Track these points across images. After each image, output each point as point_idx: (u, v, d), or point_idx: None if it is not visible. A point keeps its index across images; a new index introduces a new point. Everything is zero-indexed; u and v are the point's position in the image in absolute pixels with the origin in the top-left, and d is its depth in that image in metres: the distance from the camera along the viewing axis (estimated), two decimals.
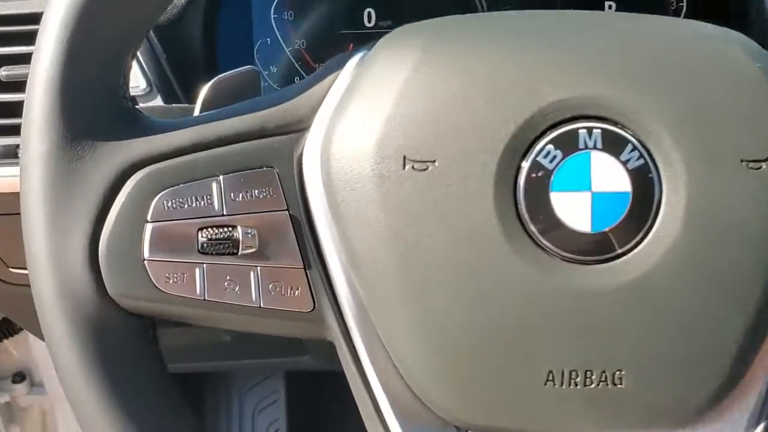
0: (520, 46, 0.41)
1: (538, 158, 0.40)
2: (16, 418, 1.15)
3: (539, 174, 0.40)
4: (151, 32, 0.72)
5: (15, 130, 0.64)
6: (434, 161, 0.40)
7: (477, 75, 0.41)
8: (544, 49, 0.41)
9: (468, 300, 0.40)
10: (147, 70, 0.70)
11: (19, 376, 1.10)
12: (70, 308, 0.42)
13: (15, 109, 0.65)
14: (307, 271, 0.42)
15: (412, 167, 0.40)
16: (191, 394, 1.19)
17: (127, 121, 0.43)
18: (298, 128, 0.43)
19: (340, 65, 0.45)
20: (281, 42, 0.78)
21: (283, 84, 0.79)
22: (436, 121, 0.40)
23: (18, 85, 0.66)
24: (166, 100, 0.70)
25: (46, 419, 1.17)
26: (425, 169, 0.40)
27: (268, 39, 0.78)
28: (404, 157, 0.40)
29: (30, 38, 0.57)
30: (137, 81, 0.70)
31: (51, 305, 0.42)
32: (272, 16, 0.78)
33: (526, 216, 0.40)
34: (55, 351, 0.42)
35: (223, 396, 1.22)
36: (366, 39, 0.79)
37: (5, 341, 1.02)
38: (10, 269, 0.75)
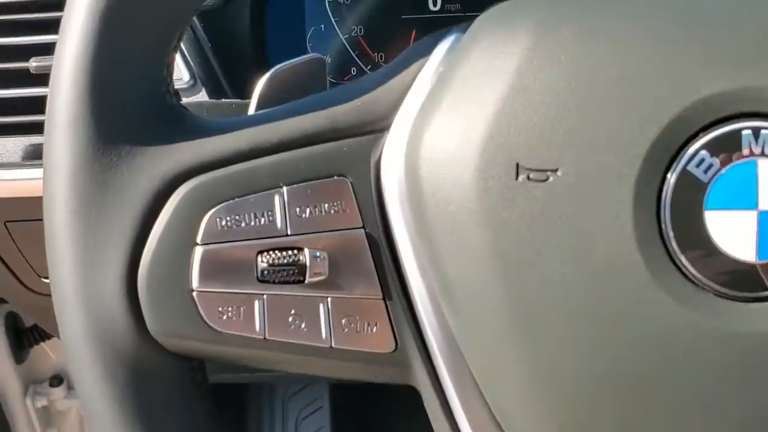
0: (662, 23, 0.33)
1: (688, 167, 0.32)
2: (53, 421, 1.12)
3: (690, 188, 0.32)
4: (195, 19, 0.66)
5: None
6: (556, 170, 0.32)
7: (608, 60, 0.33)
8: (694, 25, 0.33)
9: (595, 342, 0.33)
10: (190, 61, 0.64)
11: (57, 379, 1.07)
12: (103, 349, 0.35)
13: (45, 105, 0.60)
14: (388, 303, 0.36)
15: (527, 177, 0.32)
16: (233, 403, 1.15)
17: (172, 121, 0.36)
18: (375, 128, 0.37)
19: (427, 51, 0.37)
20: (336, 28, 0.71)
21: (338, 76, 0.72)
22: (559, 119, 0.32)
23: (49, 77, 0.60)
24: (211, 95, 0.64)
25: (83, 423, 1.13)
26: (544, 180, 0.32)
27: (322, 25, 0.72)
28: (517, 165, 0.33)
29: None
30: (179, 73, 0.65)
31: (80, 346, 0.35)
32: (326, 0, 0.71)
33: (672, 240, 0.32)
34: (86, 399, 0.36)
35: (265, 404, 1.18)
36: (431, 25, 0.72)
37: (42, 343, 0.99)
38: (42, 279, 0.70)
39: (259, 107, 0.42)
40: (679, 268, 0.33)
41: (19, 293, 0.72)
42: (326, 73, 0.44)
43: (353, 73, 0.72)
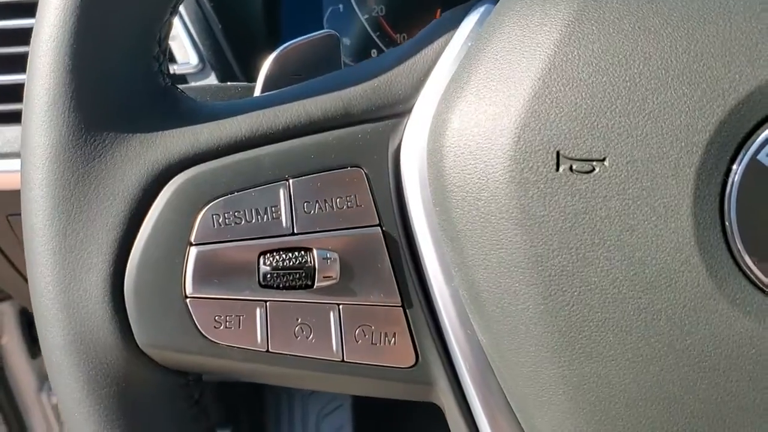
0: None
1: (758, 157, 0.28)
2: None
3: (760, 180, 0.28)
4: None
5: None
6: (603, 160, 0.28)
7: (664, 32, 0.28)
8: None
9: (648, 360, 0.29)
10: (199, 44, 0.60)
11: None
12: (86, 363, 0.31)
13: None
14: (408, 312, 0.32)
15: (570, 168, 0.28)
16: (251, 400, 1.12)
17: (164, 105, 0.32)
18: (394, 112, 0.33)
19: (454, 24, 0.33)
20: (355, 8, 0.67)
21: (357, 59, 0.67)
22: (606, 101, 0.28)
23: None
24: (221, 79, 0.60)
25: None
26: (589, 171, 0.28)
27: (340, 5, 0.67)
28: (558, 154, 0.28)
29: None
30: (187, 56, 0.61)
31: (60, 358, 0.31)
32: None
33: (738, 242, 0.28)
34: (68, 418, 0.31)
35: (284, 401, 1.15)
36: (459, 3, 0.68)
37: None
38: None
39: (265, 89, 0.38)
40: (745, 274, 0.28)
41: (22, 288, 0.69)
42: (341, 51, 0.40)
43: (373, 56, 0.68)
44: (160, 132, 0.32)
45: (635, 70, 0.28)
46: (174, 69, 0.61)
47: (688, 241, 0.28)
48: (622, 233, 0.28)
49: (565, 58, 0.29)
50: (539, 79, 0.29)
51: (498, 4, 0.32)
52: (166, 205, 0.31)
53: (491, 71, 0.30)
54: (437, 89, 0.32)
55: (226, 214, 0.31)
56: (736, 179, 0.28)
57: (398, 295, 0.32)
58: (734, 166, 0.28)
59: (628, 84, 0.28)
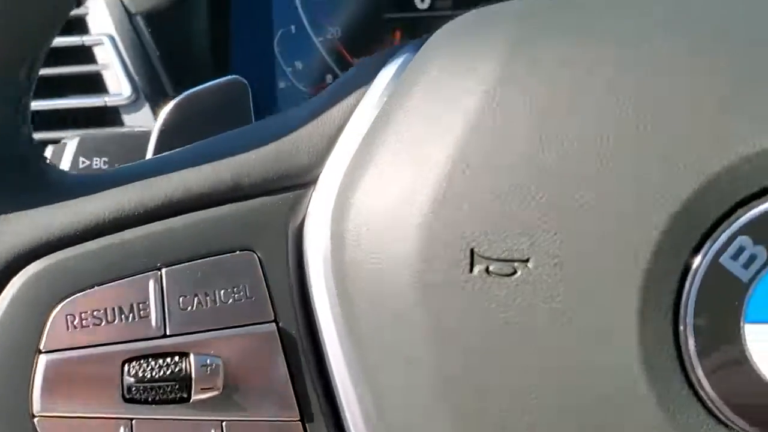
0: (684, 47, 0.23)
1: (721, 260, 0.22)
2: None
3: (723, 289, 0.23)
4: (140, 22, 0.57)
5: None
6: (526, 261, 0.23)
7: (608, 100, 0.23)
8: (723, 54, 0.23)
9: None
10: (133, 73, 0.55)
11: None
12: None
13: None
14: (307, 427, 0.27)
15: (486, 270, 0.23)
16: None
17: (16, 180, 0.27)
18: (297, 183, 0.28)
19: (367, 77, 0.28)
20: (309, 30, 0.62)
21: (312, 85, 0.62)
22: (534, 185, 0.23)
23: None
24: (156, 112, 0.55)
25: None
26: (510, 275, 0.23)
27: (292, 26, 0.62)
28: (472, 252, 0.23)
29: None
30: (119, 87, 0.55)
31: None
32: None
33: (695, 365, 0.23)
34: None
35: None
36: (417, 26, 0.63)
37: None
38: None
39: (159, 146, 0.33)
40: (704, 404, 0.23)
41: None
42: (249, 100, 0.34)
43: (329, 82, 0.62)
44: (8, 214, 0.27)
45: (570, 148, 0.23)
46: (105, 101, 0.56)
47: (633, 365, 0.22)
48: (550, 353, 0.23)
49: (484, 129, 0.23)
50: (451, 156, 0.23)
51: (417, 54, 0.27)
52: (10, 305, 0.26)
53: (399, 142, 0.25)
54: (345, 158, 0.27)
55: (83, 314, 0.26)
56: (693, 287, 0.22)
57: (296, 408, 0.27)
58: (692, 271, 0.22)
59: (560, 165, 0.23)
